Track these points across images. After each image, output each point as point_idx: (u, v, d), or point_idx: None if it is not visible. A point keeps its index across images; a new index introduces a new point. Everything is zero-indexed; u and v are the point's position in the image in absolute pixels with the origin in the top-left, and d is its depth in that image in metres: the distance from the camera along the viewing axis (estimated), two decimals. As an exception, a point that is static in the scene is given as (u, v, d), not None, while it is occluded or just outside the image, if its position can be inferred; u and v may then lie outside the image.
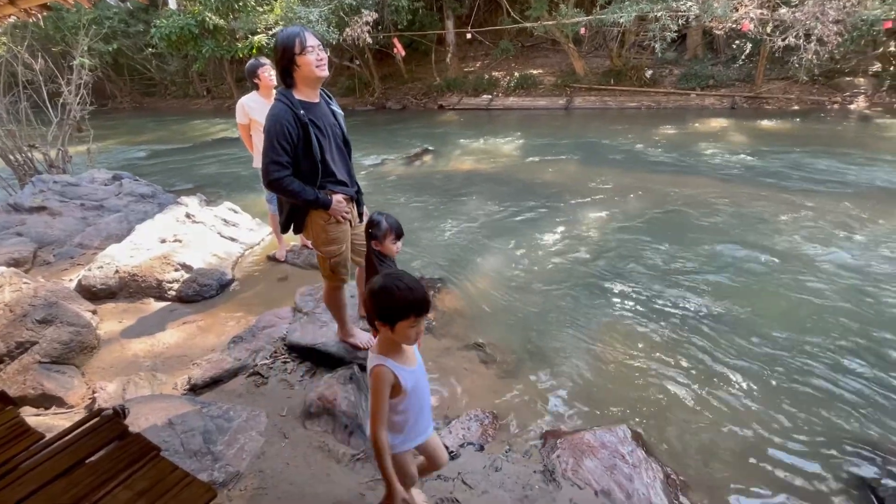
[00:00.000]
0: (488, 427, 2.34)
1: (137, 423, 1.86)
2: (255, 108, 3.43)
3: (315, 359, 2.72)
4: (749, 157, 6.73)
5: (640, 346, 2.95)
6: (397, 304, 1.28)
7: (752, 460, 2.16)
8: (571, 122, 11.04)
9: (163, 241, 3.90)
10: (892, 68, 9.94)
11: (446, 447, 2.15)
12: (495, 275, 3.98)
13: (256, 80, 3.42)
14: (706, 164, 6.64)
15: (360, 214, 2.36)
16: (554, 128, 10.39)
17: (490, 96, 13.49)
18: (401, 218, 2.16)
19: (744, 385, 2.59)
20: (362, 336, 2.59)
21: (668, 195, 5.48)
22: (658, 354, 2.86)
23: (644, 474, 2.00)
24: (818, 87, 10.35)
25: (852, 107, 9.57)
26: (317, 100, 2.06)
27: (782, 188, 5.45)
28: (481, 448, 2.20)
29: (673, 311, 3.29)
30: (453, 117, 12.63)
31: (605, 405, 2.50)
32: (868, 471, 2.07)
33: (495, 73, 14.33)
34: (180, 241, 3.93)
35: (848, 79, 10.23)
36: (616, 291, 3.57)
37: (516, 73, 13.79)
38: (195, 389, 2.47)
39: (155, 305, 3.39)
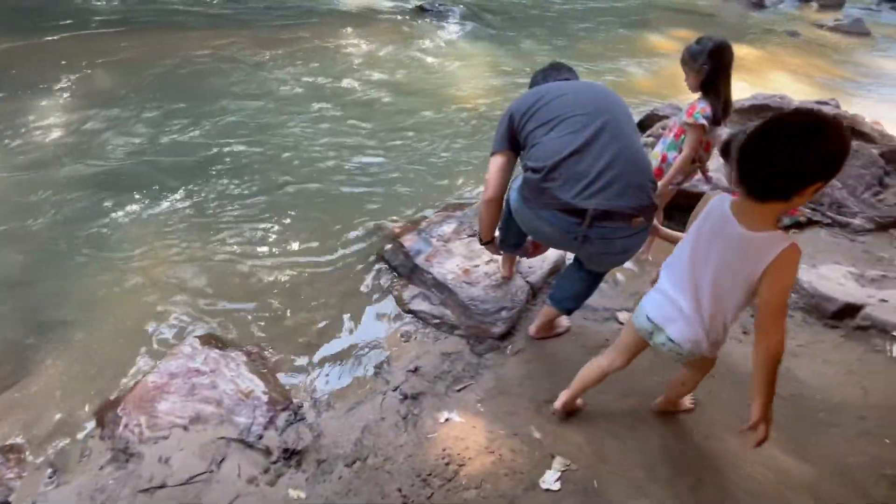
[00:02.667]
0: (3, 468, 1.58)
1: None
2: None
3: None
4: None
5: (169, 243, 2.58)
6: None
7: (299, 295, 2.42)
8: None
9: None
10: None
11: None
12: None
13: None
14: (174, 13, 5.77)
15: None
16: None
17: None
18: None
19: (280, 233, 2.75)
20: None
21: (141, 56, 4.54)
22: (195, 243, 2.59)
23: (225, 370, 1.89)
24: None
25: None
26: None
27: (253, 26, 5.47)
28: (5, 502, 1.49)
29: (191, 189, 2.98)
30: None
31: (159, 335, 2.13)
32: (377, 245, 2.70)
33: None
34: None
35: None
36: (119, 192, 2.87)
37: None
38: None
39: None
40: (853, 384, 1.84)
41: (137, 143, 3.38)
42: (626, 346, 1.46)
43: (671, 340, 1.27)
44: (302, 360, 2.08)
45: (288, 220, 2.83)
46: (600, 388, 1.84)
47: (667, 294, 1.28)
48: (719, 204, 1.14)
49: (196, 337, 2.04)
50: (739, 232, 1.08)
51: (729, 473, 1.49)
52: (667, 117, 3.87)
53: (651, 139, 3.59)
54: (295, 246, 2.67)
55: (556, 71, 1.85)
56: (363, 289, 2.45)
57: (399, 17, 6.30)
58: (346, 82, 4.43)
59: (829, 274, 2.45)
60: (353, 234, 2.77)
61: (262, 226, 2.77)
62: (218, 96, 4.02)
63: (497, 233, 2.00)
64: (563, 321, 2.13)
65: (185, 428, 1.68)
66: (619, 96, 1.69)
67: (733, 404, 1.76)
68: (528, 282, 2.29)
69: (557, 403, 1.68)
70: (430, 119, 4.00)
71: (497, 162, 1.69)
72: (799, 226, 3.05)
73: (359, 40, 5.38)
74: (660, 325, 1.29)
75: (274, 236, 2.72)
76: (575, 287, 1.88)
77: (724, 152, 1.58)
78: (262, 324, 2.22)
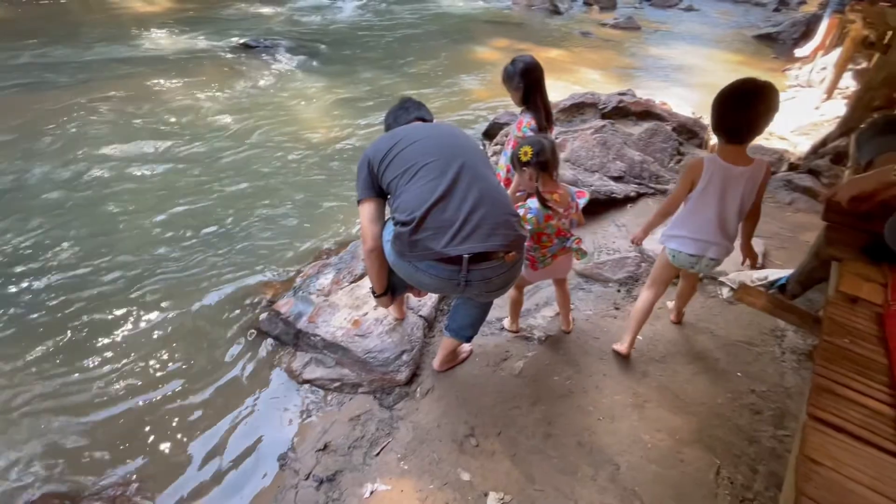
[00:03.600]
0: None
1: None
2: None
3: None
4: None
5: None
6: None
7: (167, 403, 2.05)
8: None
9: None
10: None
11: None
12: None
13: None
14: None
15: None
16: None
17: None
18: None
19: (125, 333, 2.30)
20: None
21: None
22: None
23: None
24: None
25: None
26: None
27: (41, 90, 4.56)
28: None
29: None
30: None
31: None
32: (251, 318, 2.42)
33: None
34: None
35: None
36: None
37: None
38: None
39: None
40: (703, 330, 2.18)
41: None
42: (664, 280, 1.90)
43: (713, 259, 1.74)
44: (187, 483, 1.74)
45: (129, 315, 2.38)
46: (513, 403, 1.89)
47: (691, 237, 1.72)
48: (713, 162, 1.60)
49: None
50: (741, 170, 1.58)
51: (637, 450, 1.63)
52: (507, 124, 4.20)
53: (499, 147, 3.86)
54: (146, 342, 2.25)
55: (406, 111, 1.84)
56: (244, 372, 2.16)
57: (223, 57, 5.83)
58: (170, 141, 3.93)
59: (664, 238, 2.88)
60: (217, 313, 2.44)
61: (97, 330, 2.28)
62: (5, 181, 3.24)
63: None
64: (465, 346, 2.14)
65: None
66: (469, 136, 1.75)
67: (625, 382, 1.94)
68: (421, 316, 2.25)
69: (623, 349, 2.01)
70: (278, 163, 3.75)
71: (366, 210, 1.64)
72: (632, 199, 3.54)
73: (178, 90, 4.83)
74: (701, 254, 1.73)
75: (118, 339, 2.26)
76: (470, 315, 1.89)
77: (513, 164, 1.76)
78: (126, 454, 1.81)
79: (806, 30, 8.31)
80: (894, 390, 0.82)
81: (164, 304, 2.46)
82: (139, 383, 2.07)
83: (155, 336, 2.30)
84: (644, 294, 1.94)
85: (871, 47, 3.82)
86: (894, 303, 1.00)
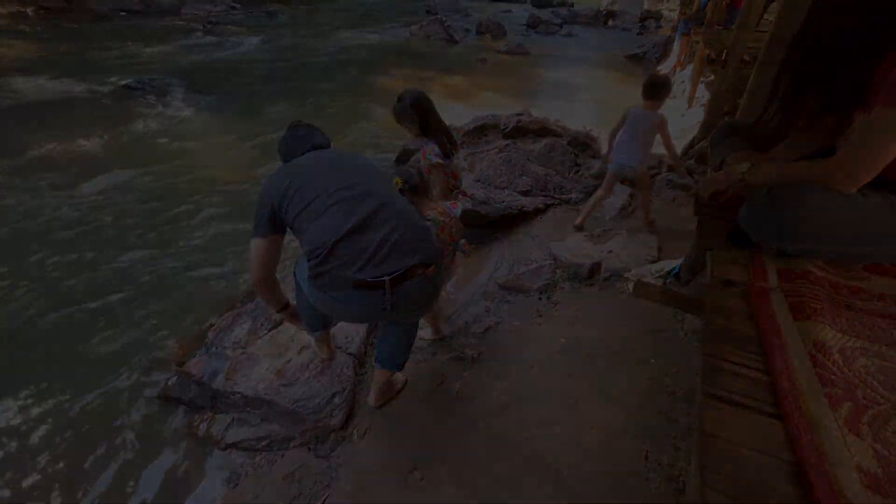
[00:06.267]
0: None
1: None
2: None
3: None
4: None
5: None
6: None
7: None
8: None
9: None
10: None
11: None
12: None
13: None
14: None
15: None
16: None
17: None
18: None
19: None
20: None
21: None
22: None
23: None
24: None
25: None
26: None
27: None
28: None
29: None
30: None
31: None
32: (159, 384, 2.18)
33: None
34: None
35: None
36: None
37: None
38: None
39: None
40: (619, 326, 2.35)
41: None
42: (610, 185, 3.06)
43: (631, 167, 2.87)
44: None
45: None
46: (454, 427, 1.88)
47: (624, 151, 2.85)
48: (634, 108, 2.77)
49: None
50: (645, 113, 2.75)
51: (575, 451, 1.70)
52: (418, 149, 4.30)
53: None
54: (25, 446, 1.92)
55: (300, 141, 1.76)
56: (156, 451, 1.93)
57: (102, 102, 5.32)
58: (40, 199, 3.48)
59: (573, 243, 3.09)
60: (114, 391, 2.16)
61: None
62: None
63: (294, 304, 1.88)
64: (399, 376, 2.10)
65: None
66: (371, 161, 1.76)
67: (556, 386, 2.02)
68: (350, 353, 2.18)
69: (578, 222, 3.21)
70: (179, 210, 3.48)
71: (258, 245, 1.59)
72: (541, 211, 3.77)
73: (46, 141, 4.30)
74: (625, 163, 2.88)
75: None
76: (399, 342, 1.87)
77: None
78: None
79: (665, 50, 9.58)
80: (765, 358, 0.94)
81: (43, 396, 2.13)
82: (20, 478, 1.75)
83: (38, 419, 1.97)
84: (598, 191, 3.11)
85: (713, 63, 4.50)
86: (755, 281, 1.17)
